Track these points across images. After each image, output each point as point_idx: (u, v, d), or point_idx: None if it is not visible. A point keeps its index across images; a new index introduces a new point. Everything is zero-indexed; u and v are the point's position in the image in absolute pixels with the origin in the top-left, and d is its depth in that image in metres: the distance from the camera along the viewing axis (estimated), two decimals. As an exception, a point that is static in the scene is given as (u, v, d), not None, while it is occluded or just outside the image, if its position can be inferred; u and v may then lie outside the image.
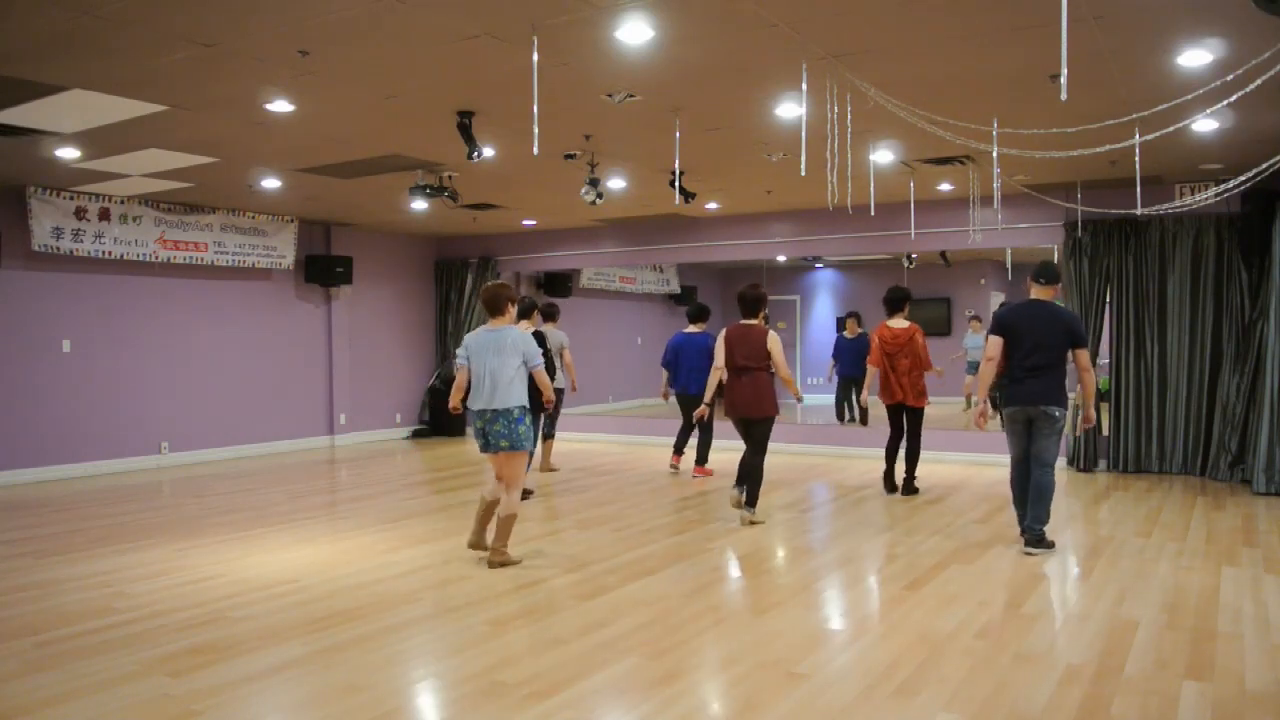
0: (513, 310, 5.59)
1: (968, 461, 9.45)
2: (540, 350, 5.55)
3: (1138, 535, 6.12)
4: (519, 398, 5.38)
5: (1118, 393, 8.85)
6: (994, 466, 9.16)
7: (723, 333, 6.63)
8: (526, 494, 7.21)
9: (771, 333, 6.52)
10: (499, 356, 5.38)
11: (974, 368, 12.01)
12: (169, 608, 4.68)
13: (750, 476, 6.51)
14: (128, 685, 3.65)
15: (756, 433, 6.47)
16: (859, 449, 10.05)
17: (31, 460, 8.84)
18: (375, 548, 5.97)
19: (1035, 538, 5.64)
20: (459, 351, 5.58)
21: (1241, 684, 3.57)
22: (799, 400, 7.56)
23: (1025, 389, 5.62)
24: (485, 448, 5.46)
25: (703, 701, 3.51)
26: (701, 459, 8.73)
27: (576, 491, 8.05)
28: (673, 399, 8.93)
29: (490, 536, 5.53)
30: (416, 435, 12.59)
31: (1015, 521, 6.00)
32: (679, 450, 9.02)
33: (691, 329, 8.68)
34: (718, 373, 6.56)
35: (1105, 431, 8.98)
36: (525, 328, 6.91)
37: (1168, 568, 5.29)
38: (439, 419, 12.69)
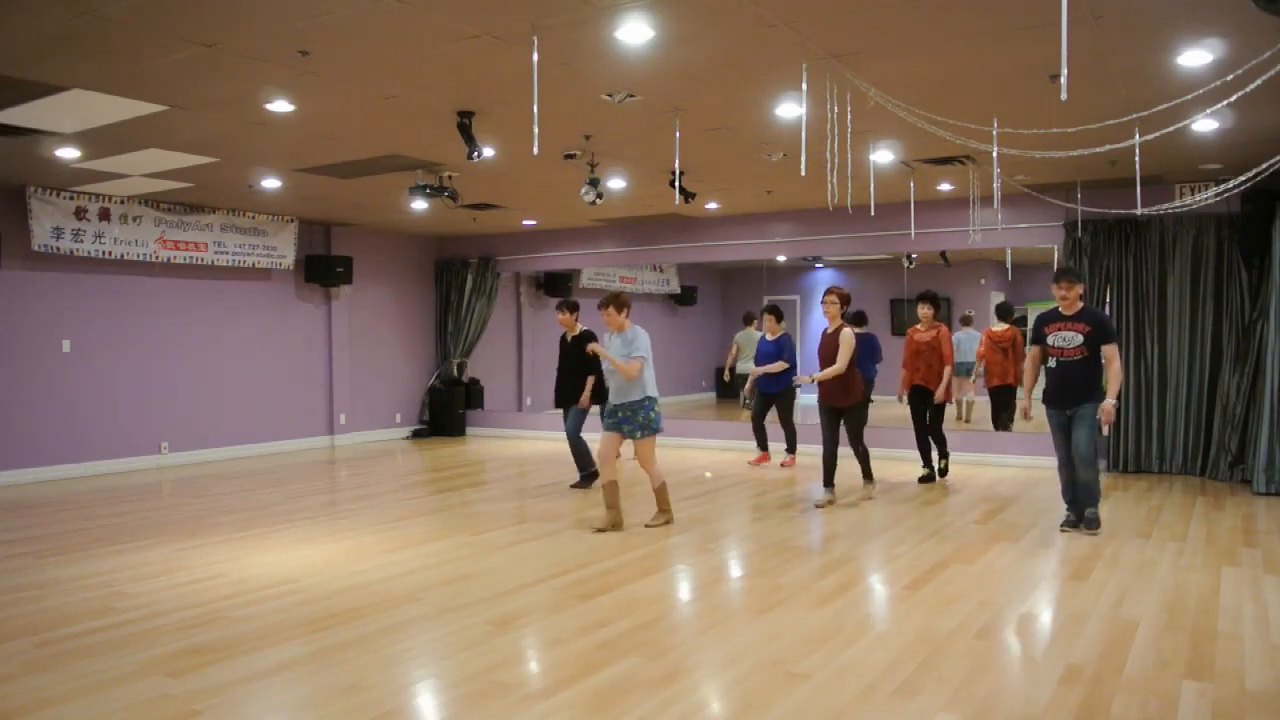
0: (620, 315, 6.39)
1: (967, 461, 9.44)
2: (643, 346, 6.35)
3: (1138, 535, 6.12)
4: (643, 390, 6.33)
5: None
6: (993, 466, 9.17)
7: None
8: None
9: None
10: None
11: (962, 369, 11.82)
12: (169, 608, 4.68)
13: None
14: (128, 685, 3.65)
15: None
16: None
17: (31, 460, 8.85)
18: (375, 548, 5.97)
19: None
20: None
21: (1241, 684, 3.57)
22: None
23: None
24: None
25: (703, 701, 3.51)
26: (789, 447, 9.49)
27: (577, 491, 8.04)
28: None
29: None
30: (416, 435, 12.59)
31: (1015, 520, 6.22)
32: (790, 449, 9.50)
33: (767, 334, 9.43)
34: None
35: (1105, 431, 8.97)
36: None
37: (1168, 568, 5.29)
38: (439, 419, 12.70)
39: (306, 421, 11.42)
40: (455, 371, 12.88)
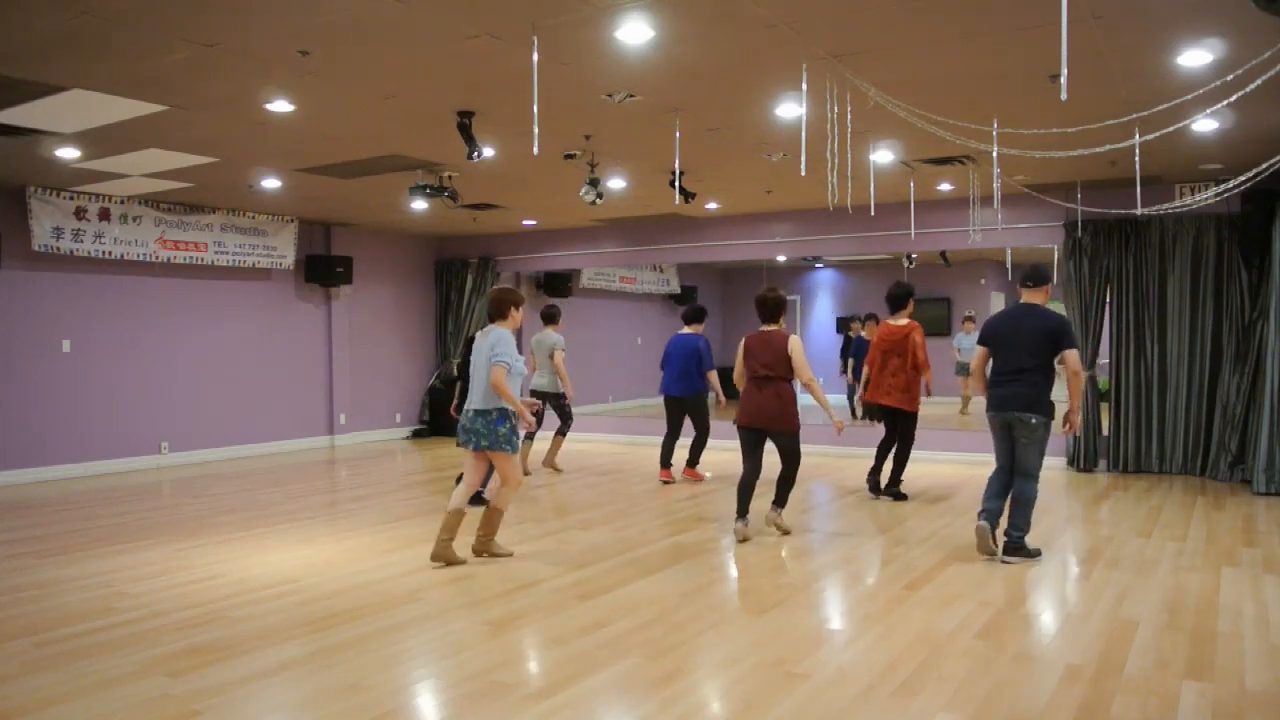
0: (515, 313, 5.55)
1: (967, 462, 9.45)
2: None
3: (1138, 535, 6.12)
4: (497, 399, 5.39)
5: (1118, 393, 8.85)
6: (992, 467, 9.15)
7: (743, 340, 6.28)
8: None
9: (793, 337, 6.16)
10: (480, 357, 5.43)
11: (964, 369, 12.02)
12: (169, 608, 4.68)
13: (781, 484, 6.31)
14: (128, 685, 3.65)
15: (783, 447, 6.14)
16: (859, 449, 10.03)
17: (31, 460, 8.84)
18: (375, 548, 5.97)
19: (1012, 545, 5.44)
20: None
21: (1241, 684, 3.57)
22: (838, 428, 6.25)
23: (999, 394, 5.51)
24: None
25: (703, 701, 3.51)
26: (693, 460, 8.54)
27: (577, 491, 8.05)
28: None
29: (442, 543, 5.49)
30: (416, 435, 12.59)
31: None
32: (666, 463, 8.51)
33: (685, 330, 8.41)
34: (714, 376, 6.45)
35: (1105, 431, 8.99)
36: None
37: (1168, 568, 5.29)
38: (439, 419, 12.69)
39: (306, 421, 11.42)
40: (455, 371, 12.86)
